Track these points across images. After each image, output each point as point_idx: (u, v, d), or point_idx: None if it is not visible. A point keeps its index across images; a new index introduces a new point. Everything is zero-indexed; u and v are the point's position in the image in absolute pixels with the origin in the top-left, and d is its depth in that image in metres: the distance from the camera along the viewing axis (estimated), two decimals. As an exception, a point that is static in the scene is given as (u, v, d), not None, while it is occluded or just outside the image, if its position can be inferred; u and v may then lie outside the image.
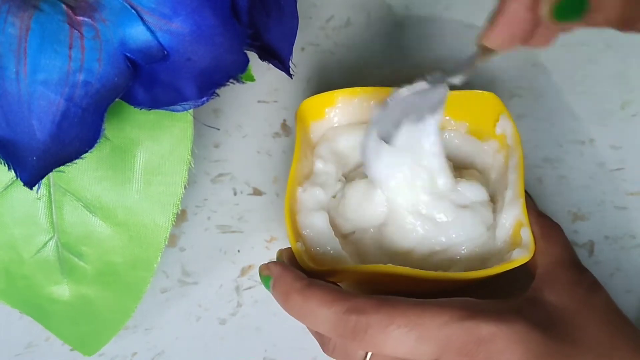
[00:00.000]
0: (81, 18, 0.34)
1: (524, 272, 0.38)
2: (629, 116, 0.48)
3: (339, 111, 0.44)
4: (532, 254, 0.37)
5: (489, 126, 0.42)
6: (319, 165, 0.42)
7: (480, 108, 0.42)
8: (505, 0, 0.33)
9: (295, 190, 0.41)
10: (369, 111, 0.43)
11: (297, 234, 0.39)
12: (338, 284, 0.40)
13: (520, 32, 0.34)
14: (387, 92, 0.43)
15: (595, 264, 0.44)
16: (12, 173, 0.33)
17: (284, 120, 0.49)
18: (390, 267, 0.37)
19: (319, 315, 0.35)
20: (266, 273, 0.37)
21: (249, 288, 0.44)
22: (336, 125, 0.44)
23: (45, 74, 0.33)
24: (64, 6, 0.34)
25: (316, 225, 0.40)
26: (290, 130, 0.48)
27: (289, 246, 0.39)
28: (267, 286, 0.37)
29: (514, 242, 0.39)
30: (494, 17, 0.34)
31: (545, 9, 0.32)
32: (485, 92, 0.42)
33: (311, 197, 0.40)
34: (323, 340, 0.37)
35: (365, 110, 0.44)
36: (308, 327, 0.38)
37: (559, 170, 0.46)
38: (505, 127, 0.41)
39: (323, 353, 0.41)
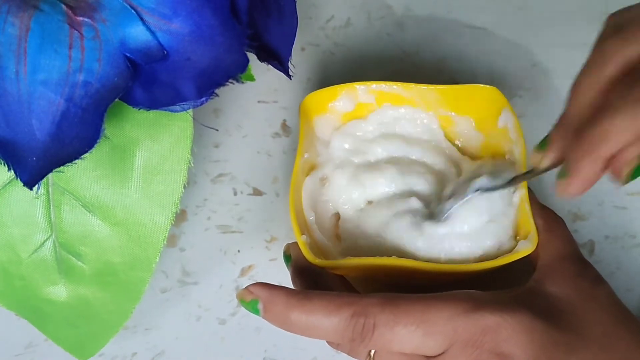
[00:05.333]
0: (81, 18, 0.34)
1: (522, 265, 0.39)
2: (629, 116, 0.48)
3: (342, 106, 0.44)
4: (535, 246, 0.37)
5: (492, 120, 0.42)
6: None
7: (482, 102, 0.43)
8: (577, 165, 0.32)
9: (299, 182, 0.41)
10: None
11: (302, 227, 0.39)
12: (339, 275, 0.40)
13: (590, 185, 0.33)
14: (390, 86, 0.44)
15: (596, 264, 0.43)
16: (10, 172, 0.33)
17: (284, 120, 0.49)
18: (395, 260, 0.37)
19: (326, 325, 0.34)
20: (250, 297, 0.35)
21: (249, 288, 0.44)
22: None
23: (45, 74, 0.33)
24: (63, 6, 0.34)
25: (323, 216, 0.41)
26: (291, 131, 0.49)
27: (295, 241, 0.39)
28: (255, 311, 0.35)
29: (517, 234, 0.39)
30: (566, 173, 0.33)
31: (624, 177, 0.32)
32: (487, 86, 0.43)
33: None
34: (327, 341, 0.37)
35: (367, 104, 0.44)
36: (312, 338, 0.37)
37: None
38: (507, 120, 0.42)
39: (323, 353, 0.41)
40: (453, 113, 0.44)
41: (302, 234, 0.38)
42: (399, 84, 0.43)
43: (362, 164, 0.42)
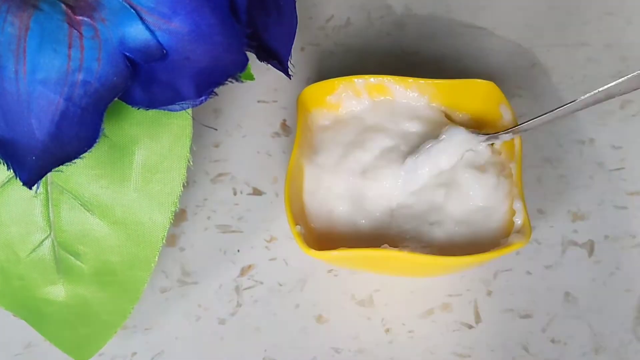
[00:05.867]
0: (80, 17, 0.34)
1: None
2: (628, 116, 0.48)
3: (340, 99, 0.45)
4: (528, 240, 0.38)
5: (488, 116, 0.43)
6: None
7: (479, 98, 0.43)
8: None
9: (295, 172, 0.41)
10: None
11: (297, 217, 0.39)
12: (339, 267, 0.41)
13: None
14: (389, 80, 0.44)
15: (595, 264, 0.43)
16: (9, 171, 0.33)
17: (284, 120, 0.49)
18: (389, 252, 0.37)
19: None
20: None
21: (249, 288, 0.44)
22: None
23: (45, 73, 0.33)
24: (63, 6, 0.34)
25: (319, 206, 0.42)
26: (290, 130, 0.49)
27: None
28: None
29: (510, 228, 0.39)
30: None
31: None
32: (484, 81, 0.43)
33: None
34: None
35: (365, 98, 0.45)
36: None
37: (559, 170, 0.46)
38: (504, 116, 0.42)
39: (323, 353, 0.41)
40: (449, 108, 0.44)
41: (296, 224, 0.39)
42: (397, 77, 0.44)
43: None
